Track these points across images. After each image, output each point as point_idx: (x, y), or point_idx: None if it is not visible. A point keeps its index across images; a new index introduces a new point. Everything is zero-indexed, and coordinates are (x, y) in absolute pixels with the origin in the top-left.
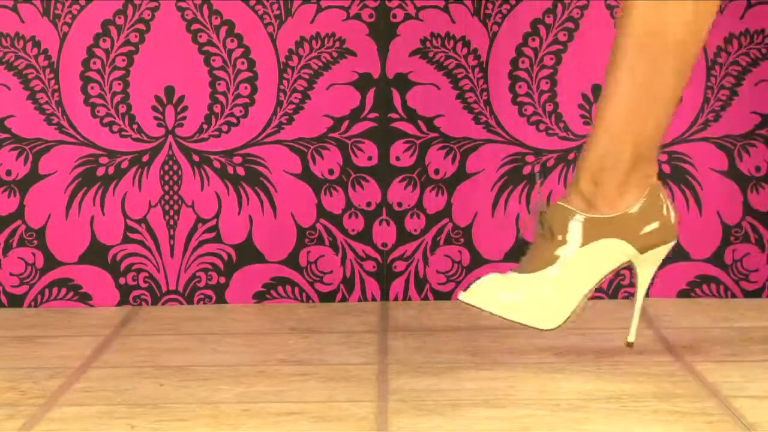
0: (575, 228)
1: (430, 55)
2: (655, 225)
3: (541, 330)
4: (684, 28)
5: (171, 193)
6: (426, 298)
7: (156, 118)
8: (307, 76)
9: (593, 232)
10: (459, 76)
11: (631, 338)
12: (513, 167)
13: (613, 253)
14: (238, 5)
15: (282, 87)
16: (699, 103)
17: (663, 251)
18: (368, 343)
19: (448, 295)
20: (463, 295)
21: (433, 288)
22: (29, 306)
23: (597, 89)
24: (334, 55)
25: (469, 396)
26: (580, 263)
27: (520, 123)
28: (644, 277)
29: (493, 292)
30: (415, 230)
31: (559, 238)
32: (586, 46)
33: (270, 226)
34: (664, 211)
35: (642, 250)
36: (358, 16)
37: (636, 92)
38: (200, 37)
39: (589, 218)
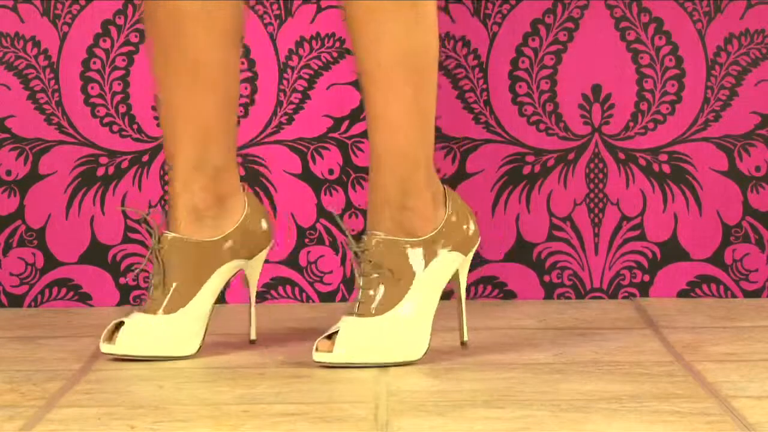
0: (412, 255)
1: None
2: (471, 226)
3: (413, 361)
4: (436, 45)
5: None
6: None
7: (156, 118)
8: (307, 76)
9: (427, 252)
10: (459, 76)
11: (464, 337)
12: (513, 167)
13: (448, 265)
14: None
15: (282, 87)
16: (699, 103)
17: (474, 251)
18: None
19: (447, 295)
20: (324, 357)
21: None
22: (29, 306)
23: (597, 89)
24: (334, 55)
25: (469, 396)
26: (426, 286)
27: (520, 123)
28: (463, 278)
29: (355, 342)
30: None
31: (400, 270)
32: (586, 46)
33: None
34: (466, 215)
35: (466, 253)
36: None
37: (413, 116)
38: None
39: (418, 241)
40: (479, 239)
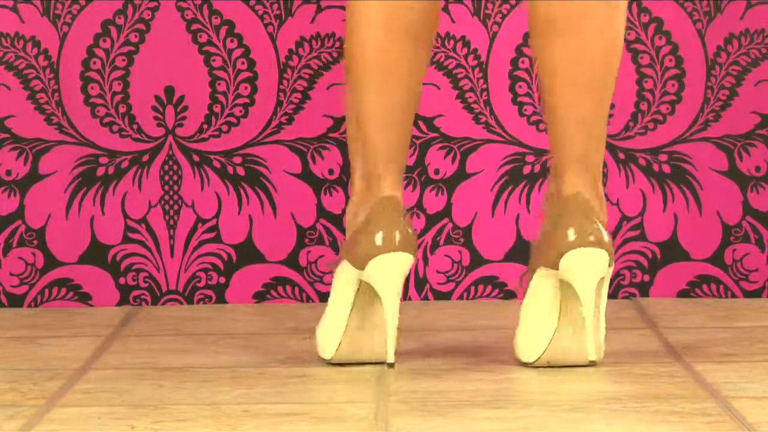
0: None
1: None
2: (375, 237)
3: (326, 360)
4: (359, 50)
5: (171, 193)
6: (426, 298)
7: (156, 118)
8: (307, 76)
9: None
10: (459, 76)
11: (390, 359)
12: (513, 167)
13: (346, 276)
14: (238, 5)
15: (282, 87)
16: (699, 103)
17: (382, 262)
18: None
19: (448, 295)
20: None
21: (433, 288)
22: (29, 306)
23: None
24: (334, 55)
25: (469, 396)
26: (334, 291)
27: (520, 123)
28: (382, 291)
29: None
30: (415, 230)
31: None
32: None
33: (270, 226)
34: (381, 225)
35: (361, 267)
36: None
37: (350, 113)
38: (200, 37)
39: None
40: (382, 252)
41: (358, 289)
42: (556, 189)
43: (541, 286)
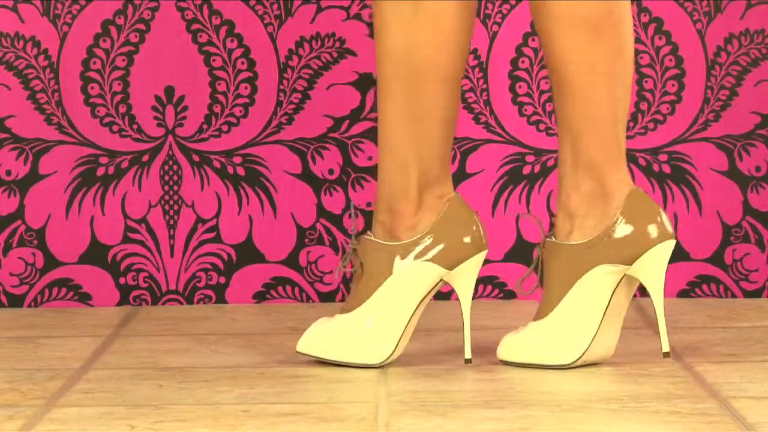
0: (380, 259)
1: None
2: (464, 238)
3: (371, 365)
4: (431, 50)
5: (171, 193)
6: None
7: (156, 118)
8: (307, 76)
9: (401, 258)
10: None
11: (468, 355)
12: (513, 167)
13: (420, 276)
14: (238, 5)
15: (282, 87)
16: (699, 103)
17: (474, 262)
18: None
19: (448, 295)
20: (298, 346)
21: None
22: (29, 306)
23: None
24: (334, 55)
25: (469, 396)
26: (391, 293)
27: (520, 123)
28: (463, 290)
29: (321, 338)
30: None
31: (370, 271)
32: None
33: (270, 226)
34: (466, 224)
35: (450, 266)
36: (358, 16)
37: (398, 116)
38: (200, 37)
39: (392, 246)
40: (480, 252)
41: (432, 288)
42: (599, 185)
43: (599, 283)
